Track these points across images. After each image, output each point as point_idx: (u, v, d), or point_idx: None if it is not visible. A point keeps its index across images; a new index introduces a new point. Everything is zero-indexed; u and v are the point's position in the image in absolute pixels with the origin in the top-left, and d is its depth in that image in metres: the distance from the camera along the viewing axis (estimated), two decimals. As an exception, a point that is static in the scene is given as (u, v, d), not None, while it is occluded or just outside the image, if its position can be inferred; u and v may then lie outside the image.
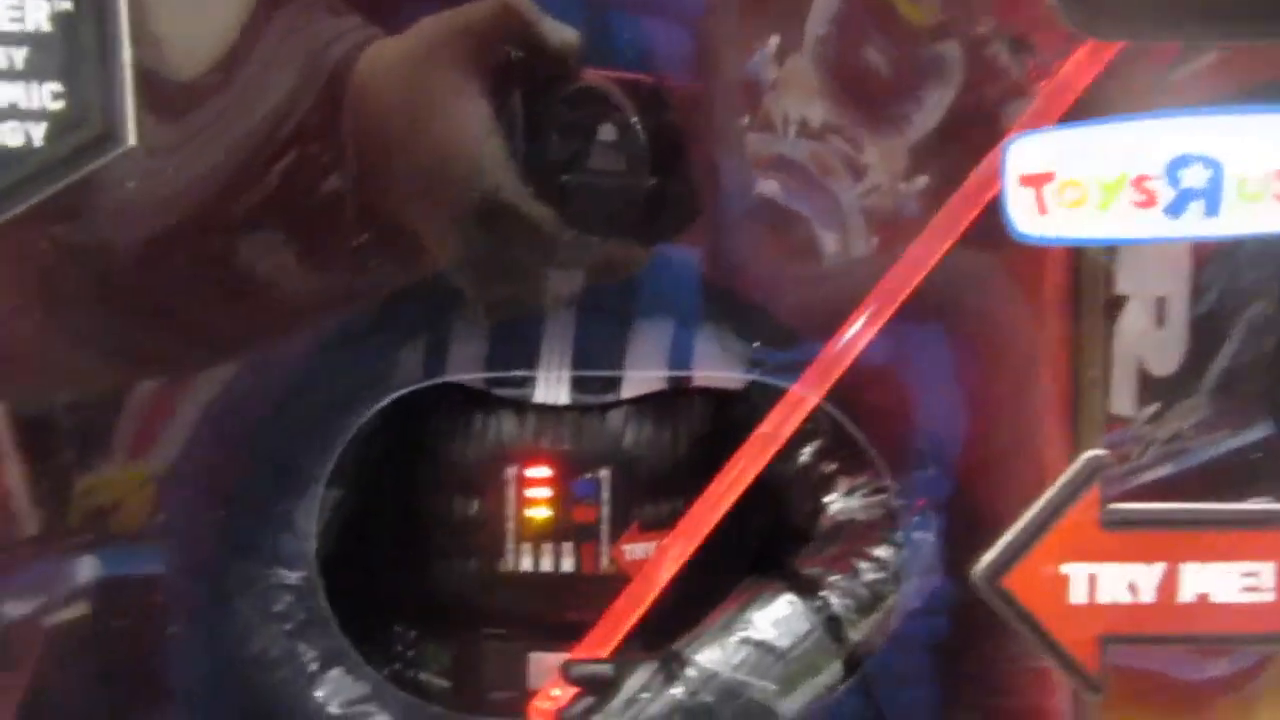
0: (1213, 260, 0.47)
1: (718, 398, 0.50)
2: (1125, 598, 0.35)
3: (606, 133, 0.44)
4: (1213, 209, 0.35)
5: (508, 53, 0.42)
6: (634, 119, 0.43)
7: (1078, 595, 0.35)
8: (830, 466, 0.50)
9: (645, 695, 0.46)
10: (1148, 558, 0.35)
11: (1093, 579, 0.35)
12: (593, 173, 0.44)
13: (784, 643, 0.47)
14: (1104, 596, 0.35)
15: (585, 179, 0.44)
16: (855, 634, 0.48)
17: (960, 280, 0.44)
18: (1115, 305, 0.46)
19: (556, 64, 0.42)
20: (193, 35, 0.41)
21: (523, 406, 0.49)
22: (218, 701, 0.51)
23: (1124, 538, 0.35)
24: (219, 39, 0.41)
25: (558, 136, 0.44)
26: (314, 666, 0.49)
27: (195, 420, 0.50)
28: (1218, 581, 0.34)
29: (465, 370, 0.49)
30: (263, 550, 0.50)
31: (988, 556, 0.35)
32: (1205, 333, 0.48)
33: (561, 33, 0.42)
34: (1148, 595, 0.35)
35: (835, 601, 0.48)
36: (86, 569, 0.50)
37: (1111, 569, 0.34)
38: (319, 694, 0.49)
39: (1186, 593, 0.35)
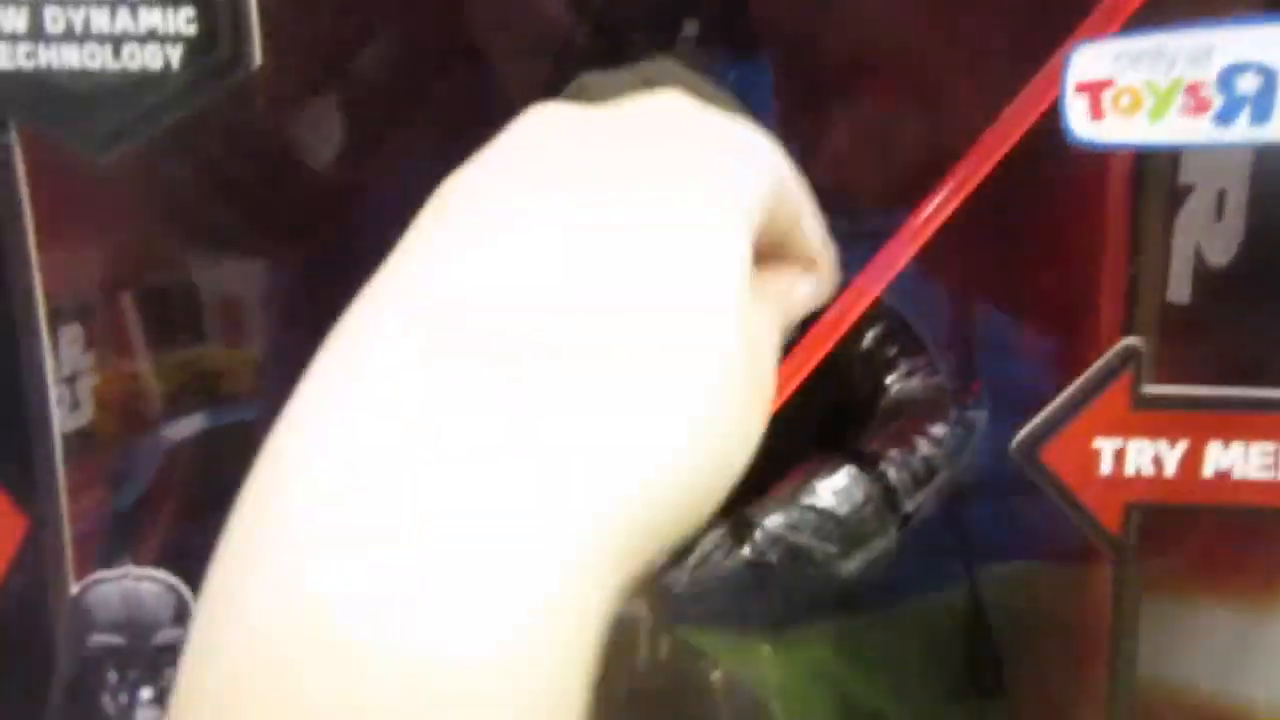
0: (1270, 154, 0.48)
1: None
2: (1150, 471, 0.39)
3: (690, 28, 0.46)
4: (1261, 116, 0.37)
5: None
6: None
7: (1106, 468, 0.39)
8: (891, 350, 0.54)
9: (717, 554, 0.51)
10: (1174, 435, 0.39)
11: (1120, 453, 0.38)
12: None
13: (843, 510, 0.52)
14: (1130, 469, 0.39)
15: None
16: (910, 504, 0.53)
17: (1024, 172, 0.46)
18: (1179, 194, 0.47)
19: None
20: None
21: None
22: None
23: (1153, 416, 0.38)
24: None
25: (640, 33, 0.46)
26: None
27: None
28: (1239, 460, 0.38)
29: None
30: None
31: (1026, 430, 0.39)
32: (1260, 224, 0.49)
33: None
34: (1171, 470, 0.39)
35: (892, 474, 0.52)
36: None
37: (1139, 444, 0.38)
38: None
39: (1208, 469, 0.38)
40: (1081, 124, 0.37)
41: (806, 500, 0.52)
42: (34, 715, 0.41)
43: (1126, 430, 0.38)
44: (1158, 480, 0.38)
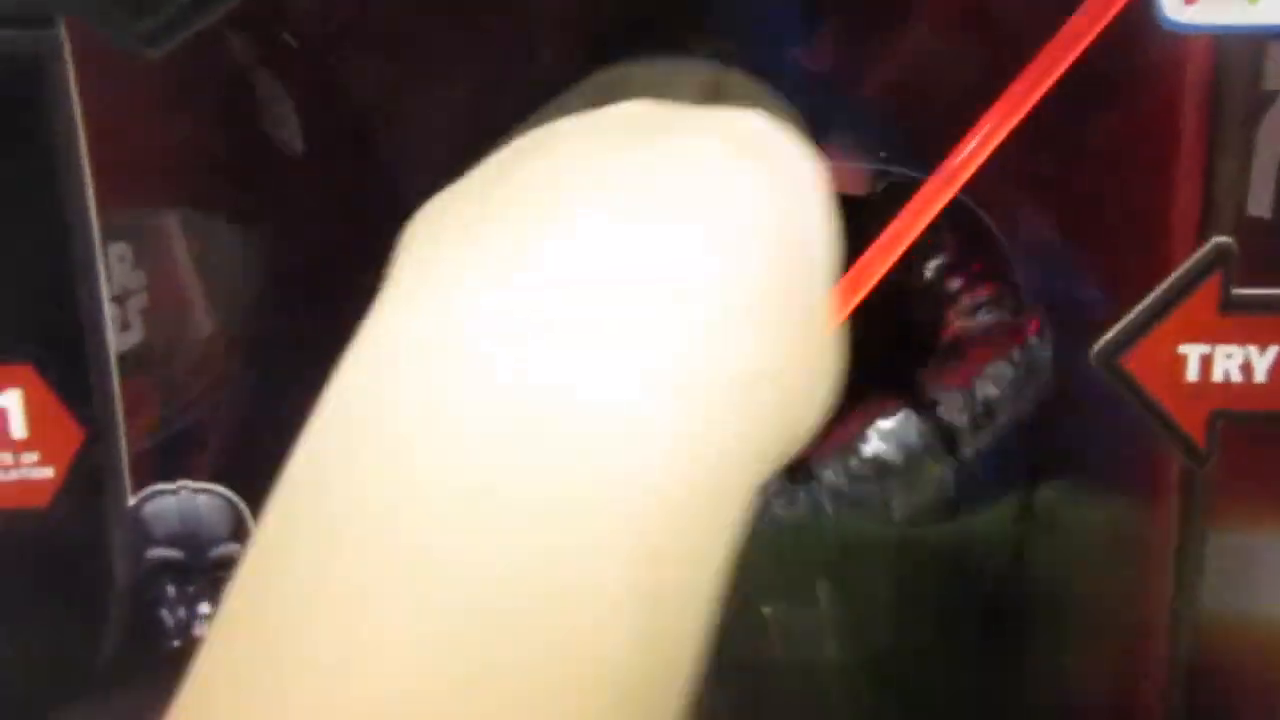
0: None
1: (843, 203, 0.52)
2: (1238, 377, 0.37)
3: None
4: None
5: None
6: None
7: (1192, 374, 0.37)
8: (954, 283, 0.53)
9: (777, 506, 0.50)
10: (1264, 340, 0.37)
11: (1207, 359, 0.37)
12: None
13: (901, 455, 0.51)
14: (1218, 376, 0.37)
15: None
16: (969, 448, 0.51)
17: (1094, 77, 0.44)
18: (1260, 101, 0.45)
19: None
20: None
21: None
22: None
23: (1242, 321, 0.37)
24: None
25: None
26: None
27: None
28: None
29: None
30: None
31: (1107, 336, 0.38)
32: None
33: None
34: (1261, 376, 0.37)
35: (951, 416, 0.51)
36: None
37: (1227, 349, 0.37)
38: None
39: (1300, 375, 0.37)
40: (1174, 5, 0.35)
41: (865, 446, 0.51)
42: (92, 627, 0.41)
43: (1214, 335, 0.37)
44: (1246, 387, 0.37)
